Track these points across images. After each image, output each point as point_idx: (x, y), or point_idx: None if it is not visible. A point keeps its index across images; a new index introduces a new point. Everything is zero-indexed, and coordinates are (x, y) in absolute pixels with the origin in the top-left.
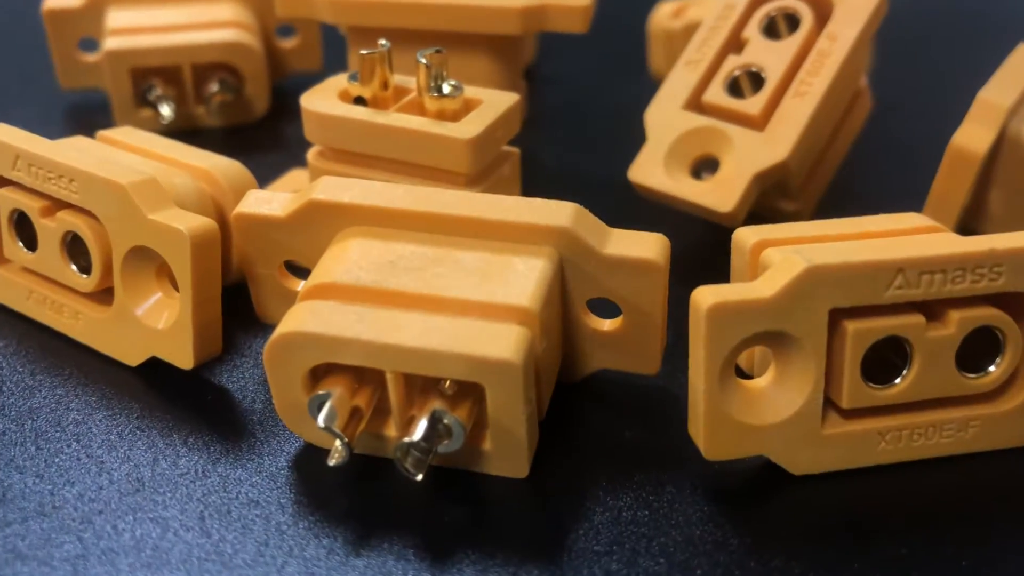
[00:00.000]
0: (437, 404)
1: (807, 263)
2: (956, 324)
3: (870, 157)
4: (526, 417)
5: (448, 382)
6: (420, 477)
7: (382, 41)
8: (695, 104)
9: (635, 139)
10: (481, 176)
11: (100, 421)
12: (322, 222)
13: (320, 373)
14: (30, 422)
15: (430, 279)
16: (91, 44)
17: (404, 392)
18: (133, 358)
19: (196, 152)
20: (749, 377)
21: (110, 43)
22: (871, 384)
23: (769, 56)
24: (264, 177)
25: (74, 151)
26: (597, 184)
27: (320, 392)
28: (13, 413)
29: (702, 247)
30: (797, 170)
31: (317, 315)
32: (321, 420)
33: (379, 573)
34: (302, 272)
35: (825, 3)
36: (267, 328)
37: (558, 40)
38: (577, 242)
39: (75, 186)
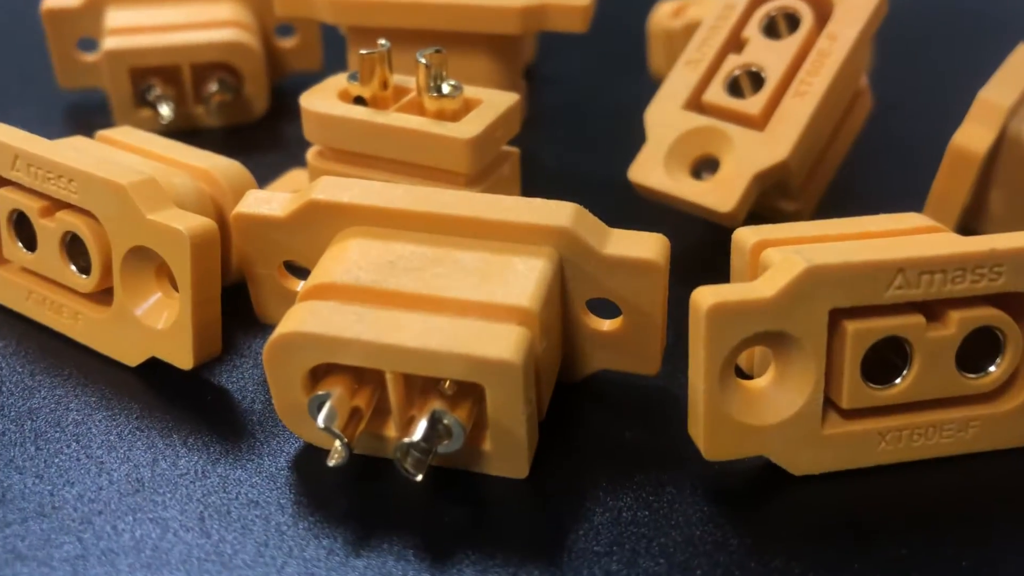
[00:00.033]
0: (437, 404)
1: (807, 263)
2: (956, 324)
3: (870, 157)
4: (526, 417)
5: (448, 382)
6: (420, 477)
7: (382, 41)
8: (695, 104)
9: (635, 139)
10: (481, 176)
11: (100, 421)
12: (322, 222)
13: (320, 373)
14: (30, 422)
15: (430, 279)
16: (90, 44)
17: (404, 392)
18: (133, 358)
19: (195, 152)
20: (749, 377)
21: (109, 43)
22: (871, 384)
23: (769, 56)
24: (263, 177)
25: (73, 151)
26: (597, 184)
27: (320, 392)
28: (13, 413)
29: (702, 247)
30: (797, 170)
31: (317, 315)
32: (321, 420)
33: (379, 573)
34: (302, 272)
35: (825, 3)
36: (267, 328)
37: (558, 40)
38: (577, 242)
39: (74, 186)
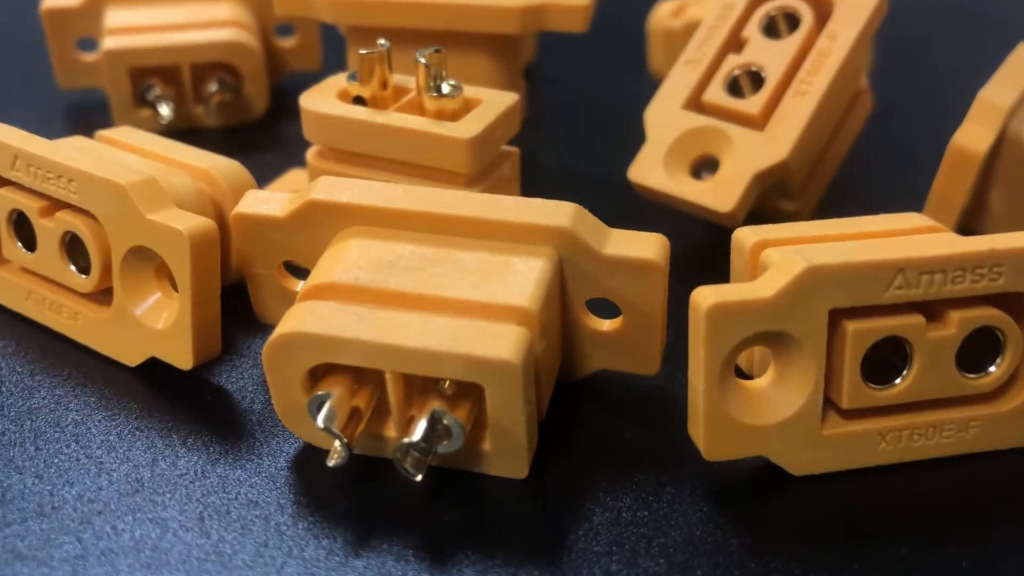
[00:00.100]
0: (436, 404)
1: (807, 263)
2: (956, 324)
3: (870, 157)
4: (526, 417)
5: (447, 382)
6: (419, 478)
7: (381, 41)
8: (695, 104)
9: (635, 139)
10: (480, 176)
11: (99, 421)
12: (321, 222)
13: (319, 373)
14: (29, 422)
15: (429, 279)
16: (90, 44)
17: (403, 392)
18: (132, 358)
19: (195, 152)
20: (749, 377)
21: (109, 43)
22: (871, 384)
23: (769, 55)
24: (263, 177)
25: (73, 151)
26: (597, 184)
27: (319, 392)
28: (12, 413)
29: (702, 247)
30: (797, 170)
31: (316, 315)
32: (320, 420)
33: (379, 573)
34: (301, 272)
35: (825, 2)
36: (266, 328)
37: (558, 39)
38: (577, 242)
39: (74, 186)
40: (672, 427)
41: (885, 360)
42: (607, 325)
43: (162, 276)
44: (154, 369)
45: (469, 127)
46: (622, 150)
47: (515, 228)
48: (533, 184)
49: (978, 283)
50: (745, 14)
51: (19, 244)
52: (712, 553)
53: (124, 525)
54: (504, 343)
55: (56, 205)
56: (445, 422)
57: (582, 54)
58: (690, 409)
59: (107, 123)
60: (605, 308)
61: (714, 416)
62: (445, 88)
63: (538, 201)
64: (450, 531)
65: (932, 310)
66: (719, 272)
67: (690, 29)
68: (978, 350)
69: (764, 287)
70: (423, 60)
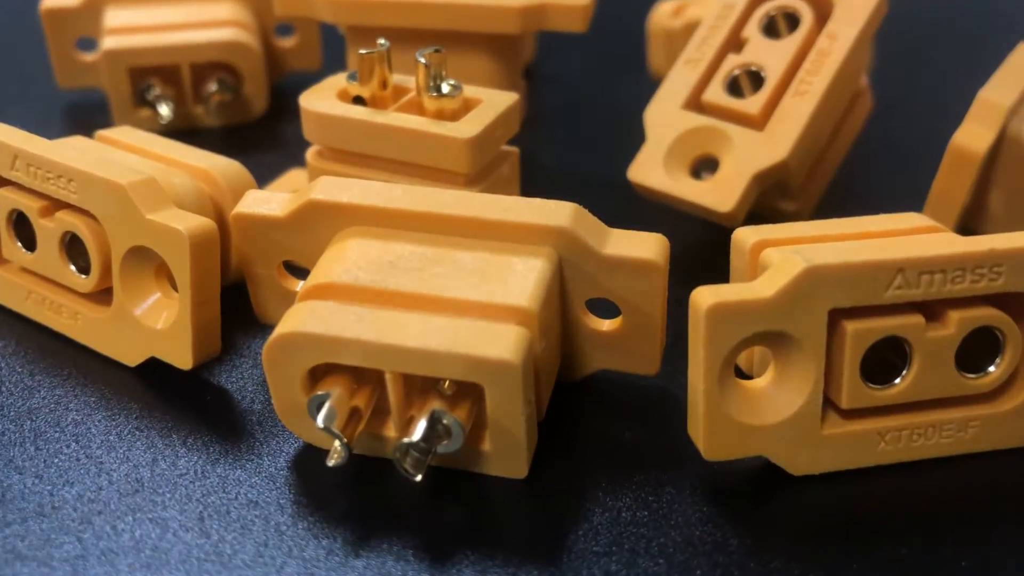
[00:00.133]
0: (436, 404)
1: (806, 263)
2: (956, 324)
3: (870, 157)
4: (525, 417)
5: (447, 382)
6: (419, 478)
7: (381, 40)
8: (695, 103)
9: (635, 139)
10: (480, 176)
11: (99, 421)
12: (321, 222)
13: (319, 373)
14: (29, 422)
15: (429, 279)
16: (89, 43)
17: (403, 392)
18: (132, 358)
19: (195, 152)
20: (749, 377)
21: (108, 42)
22: (871, 384)
23: (769, 55)
24: (263, 177)
25: (72, 151)
26: (597, 184)
27: (319, 392)
28: (12, 413)
29: (702, 247)
30: (797, 170)
31: (316, 315)
32: (320, 420)
33: (379, 573)
34: (301, 272)
35: (825, 2)
36: (266, 328)
37: (558, 39)
38: (576, 242)
39: (74, 186)
40: (672, 427)
41: (885, 360)
42: (607, 325)
43: (162, 276)
44: (154, 369)
45: (469, 127)
46: (622, 150)
47: (515, 228)
48: (533, 184)
49: (978, 283)
50: (745, 14)
51: (19, 244)
52: (712, 553)
53: (124, 525)
54: (504, 343)
55: (56, 205)
56: (445, 422)
57: (582, 54)
58: (690, 409)
59: (107, 123)
60: (605, 308)
61: (714, 416)
62: (445, 88)
63: (538, 201)
64: (450, 531)
65: (932, 310)
66: (719, 272)
67: (690, 29)
68: (977, 350)
69: (764, 287)
70: (423, 60)
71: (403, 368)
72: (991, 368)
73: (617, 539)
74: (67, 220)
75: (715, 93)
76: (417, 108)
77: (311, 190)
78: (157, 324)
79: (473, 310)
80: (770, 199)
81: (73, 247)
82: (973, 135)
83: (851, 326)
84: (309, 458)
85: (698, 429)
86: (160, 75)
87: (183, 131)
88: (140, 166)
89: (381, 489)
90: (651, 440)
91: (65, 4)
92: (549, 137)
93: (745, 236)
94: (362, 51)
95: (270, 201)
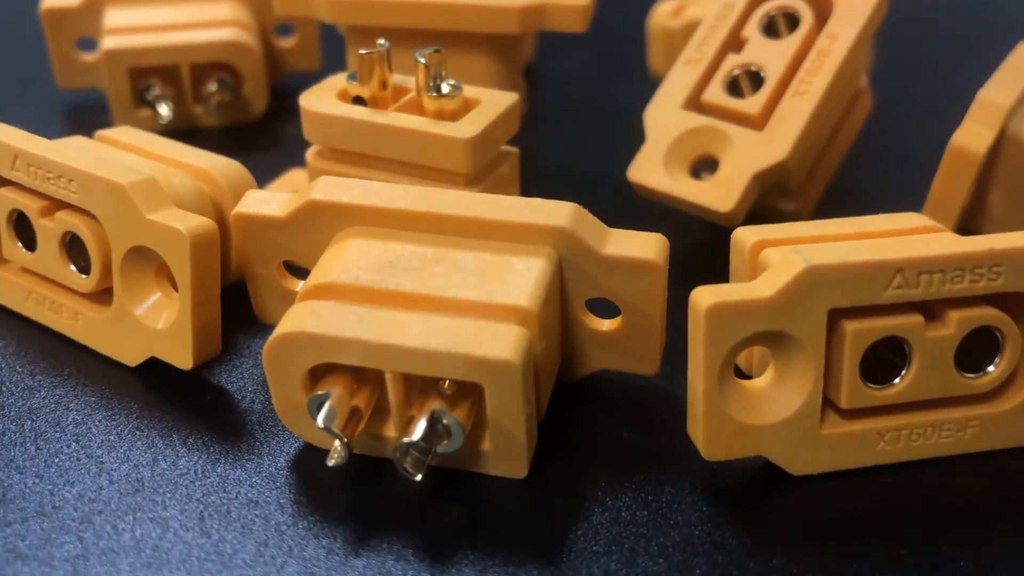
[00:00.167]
0: (436, 404)
1: (806, 263)
2: (955, 324)
3: (870, 157)
4: (525, 417)
5: (447, 382)
6: (419, 477)
7: (381, 40)
8: (694, 103)
9: (635, 139)
10: (480, 176)
11: (100, 421)
12: (321, 222)
13: (319, 373)
14: (30, 422)
15: (429, 279)
16: (89, 43)
17: (403, 392)
18: (132, 358)
19: (195, 152)
20: (748, 377)
21: (108, 42)
22: (870, 384)
23: (769, 55)
24: (263, 177)
25: (73, 151)
26: (597, 184)
27: (319, 392)
28: (13, 413)
29: (702, 247)
30: (797, 170)
31: (316, 315)
32: (320, 420)
33: (379, 573)
34: (301, 272)
35: (825, 2)
36: (266, 328)
37: (557, 39)
38: (576, 242)
39: (74, 186)
40: (671, 427)
41: (884, 360)
42: (607, 325)
43: (162, 276)
44: (154, 369)
45: (469, 127)
46: (622, 150)
47: (515, 228)
48: (533, 184)
49: (977, 283)
50: (745, 14)
51: (19, 244)
52: (711, 553)
53: (124, 524)
54: (504, 343)
55: (56, 205)
56: (445, 422)
57: (582, 54)
58: (689, 409)
59: (107, 123)
60: (605, 308)
61: (713, 416)
62: (445, 88)
63: (538, 201)
64: (450, 531)
65: (931, 310)
66: (719, 272)
67: (690, 29)
68: (977, 350)
69: (763, 287)
70: (423, 60)
71: (403, 368)
72: (990, 368)
73: (617, 539)
74: (67, 220)
75: (715, 93)
76: (417, 108)
77: (311, 190)
78: (157, 324)
79: (473, 310)
80: (770, 199)
81: (73, 247)
82: (973, 135)
83: (851, 326)
84: (309, 458)
85: (698, 429)
86: (160, 75)
87: (183, 131)
88: (140, 166)
89: (381, 489)
90: (651, 440)
91: (65, 4)
92: (549, 137)
93: (745, 236)
94: (362, 51)
95: (270, 201)
